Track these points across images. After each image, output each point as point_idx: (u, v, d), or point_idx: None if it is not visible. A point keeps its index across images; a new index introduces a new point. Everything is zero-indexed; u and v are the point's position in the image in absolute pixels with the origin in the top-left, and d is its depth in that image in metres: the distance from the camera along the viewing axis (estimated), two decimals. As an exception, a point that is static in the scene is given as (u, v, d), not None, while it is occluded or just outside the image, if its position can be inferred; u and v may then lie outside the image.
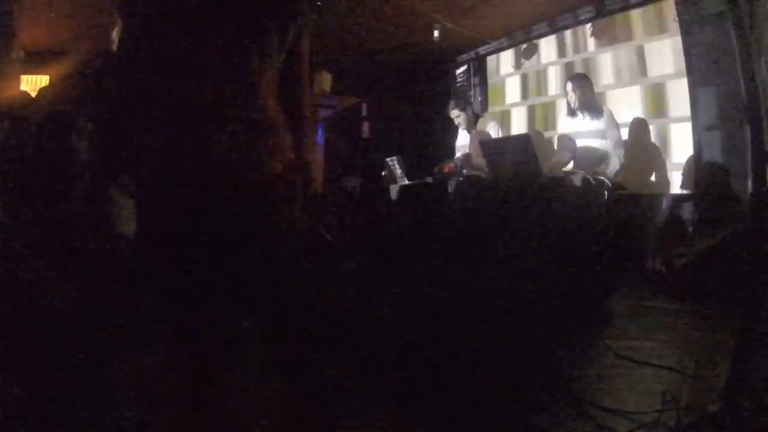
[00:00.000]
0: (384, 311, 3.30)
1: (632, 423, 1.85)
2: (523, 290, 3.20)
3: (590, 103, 4.18)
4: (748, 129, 1.81)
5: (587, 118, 4.19)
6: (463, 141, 5.40)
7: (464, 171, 4.86)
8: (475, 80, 7.08)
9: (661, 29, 4.82)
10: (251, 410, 1.90)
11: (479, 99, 7.02)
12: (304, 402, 1.51)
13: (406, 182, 5.38)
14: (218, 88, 1.35)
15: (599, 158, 4.10)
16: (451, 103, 5.40)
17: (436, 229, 4.47)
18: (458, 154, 5.37)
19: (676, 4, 4.48)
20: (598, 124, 4.14)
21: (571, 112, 4.32)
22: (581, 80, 4.27)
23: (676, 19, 4.47)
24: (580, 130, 4.25)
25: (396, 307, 3.35)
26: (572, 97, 4.22)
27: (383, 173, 5.83)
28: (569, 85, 4.25)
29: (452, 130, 5.62)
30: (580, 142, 4.24)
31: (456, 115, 5.28)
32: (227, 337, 1.63)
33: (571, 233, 3.41)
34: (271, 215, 1.45)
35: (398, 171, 5.55)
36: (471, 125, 5.29)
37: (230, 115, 1.35)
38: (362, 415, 2.02)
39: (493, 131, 5.36)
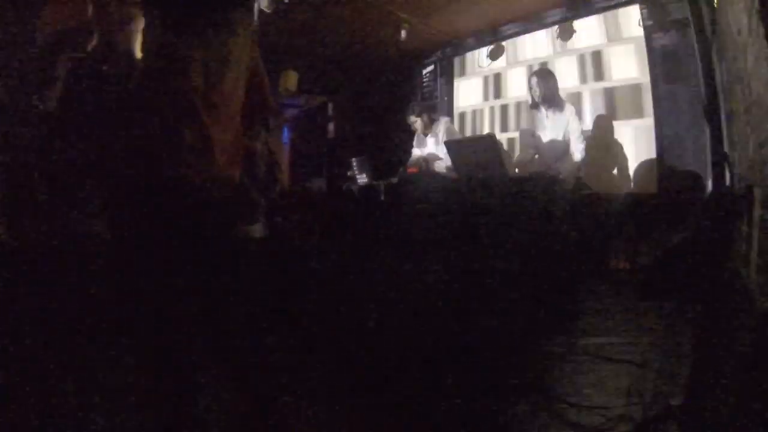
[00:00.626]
0: (351, 310, 3.29)
1: (599, 418, 1.88)
2: (489, 290, 3.22)
3: (553, 96, 4.29)
4: (708, 130, 1.87)
5: (550, 111, 4.29)
6: (419, 145, 5.46)
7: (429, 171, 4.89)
8: (441, 80, 7.12)
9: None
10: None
11: (445, 99, 7.06)
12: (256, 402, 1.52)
13: (372, 182, 5.38)
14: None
15: (561, 153, 4.19)
16: (409, 109, 5.44)
17: (401, 229, 4.47)
18: (413, 157, 5.44)
19: (641, 9, 4.61)
20: (560, 117, 4.24)
21: (534, 105, 4.43)
22: (545, 74, 4.37)
23: (641, 24, 4.61)
24: (543, 123, 4.34)
25: (363, 307, 3.34)
26: (536, 91, 4.31)
27: (348, 173, 5.81)
28: (533, 80, 4.36)
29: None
30: (542, 134, 4.33)
31: (412, 120, 5.34)
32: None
33: (536, 233, 3.46)
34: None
35: (363, 171, 5.54)
36: (428, 129, 5.33)
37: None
38: (329, 415, 2.02)
39: (445, 130, 5.40)
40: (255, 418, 1.51)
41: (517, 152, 5.23)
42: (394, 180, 5.09)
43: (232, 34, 1.45)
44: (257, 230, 2.53)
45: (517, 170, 4.60)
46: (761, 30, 1.51)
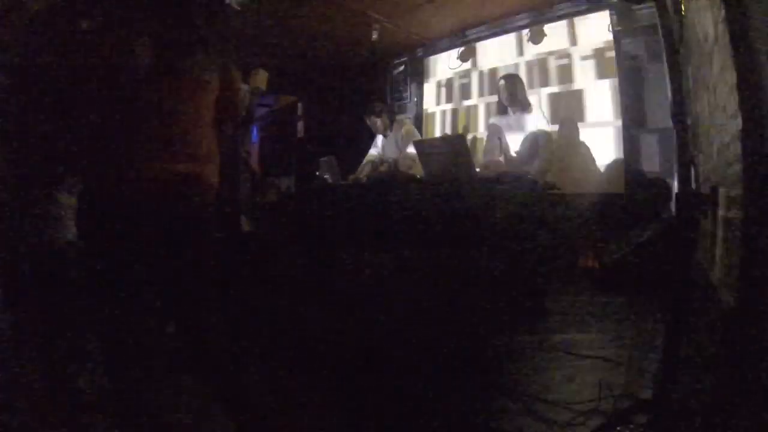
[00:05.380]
0: (320, 311, 3.28)
1: (571, 413, 1.93)
2: (460, 289, 3.25)
3: (521, 100, 4.34)
4: (674, 133, 1.92)
5: (517, 114, 4.35)
6: (378, 145, 5.49)
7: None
8: (411, 81, 7.15)
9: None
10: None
11: (414, 100, 7.10)
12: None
13: (340, 182, 5.36)
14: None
15: (528, 156, 4.24)
16: (368, 110, 5.45)
17: (370, 229, 4.47)
18: (373, 155, 5.49)
19: (611, 15, 4.74)
20: (528, 120, 4.30)
21: (502, 109, 4.49)
22: (513, 78, 4.44)
23: (611, 29, 4.74)
24: (510, 125, 4.39)
25: (332, 307, 3.34)
26: (504, 95, 4.37)
27: (317, 173, 5.77)
28: (501, 83, 4.40)
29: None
30: (510, 137, 4.39)
31: (373, 120, 5.35)
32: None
33: (505, 232, 3.50)
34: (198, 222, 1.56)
35: (332, 171, 5.51)
36: (387, 130, 5.36)
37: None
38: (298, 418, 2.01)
39: (404, 131, 5.42)
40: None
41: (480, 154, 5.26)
42: (363, 179, 5.09)
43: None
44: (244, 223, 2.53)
45: (478, 170, 4.63)
46: (726, 38, 1.57)
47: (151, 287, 1.50)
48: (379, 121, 5.29)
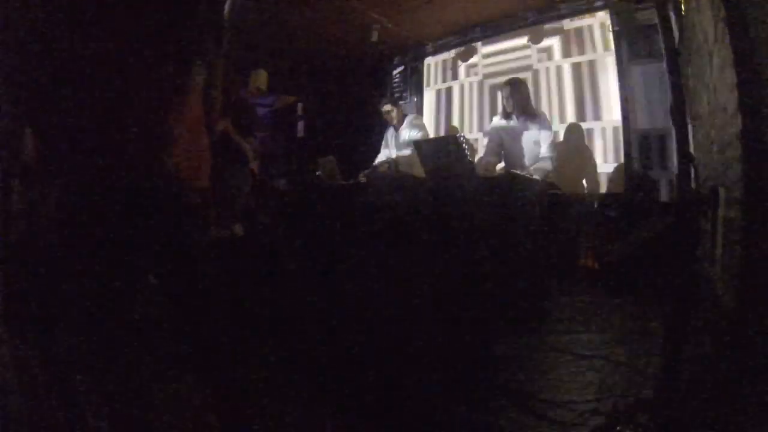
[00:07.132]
0: (321, 311, 3.27)
1: (571, 412, 1.93)
2: (460, 290, 3.25)
3: (525, 106, 4.28)
4: (674, 133, 1.93)
5: (522, 120, 4.28)
6: (390, 138, 5.51)
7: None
8: (411, 82, 7.15)
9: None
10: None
11: (414, 100, 7.10)
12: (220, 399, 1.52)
13: (341, 182, 5.37)
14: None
15: (531, 159, 4.22)
16: (384, 99, 5.49)
17: (370, 229, 4.46)
18: (384, 151, 5.54)
19: (611, 15, 4.73)
20: (532, 127, 4.25)
21: (506, 115, 4.39)
22: (517, 84, 4.35)
23: (611, 29, 4.73)
24: (514, 133, 4.34)
25: (332, 308, 3.34)
26: (508, 101, 4.30)
27: (317, 173, 5.77)
28: (506, 89, 4.33)
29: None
30: (514, 144, 4.34)
31: (388, 110, 5.36)
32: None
33: (506, 232, 3.49)
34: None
35: (332, 171, 5.52)
36: (400, 121, 5.39)
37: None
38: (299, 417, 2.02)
39: (415, 127, 5.46)
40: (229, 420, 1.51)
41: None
42: (363, 180, 5.09)
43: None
44: (238, 229, 2.51)
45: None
46: (726, 37, 1.57)
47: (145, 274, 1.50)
48: (394, 111, 5.32)
